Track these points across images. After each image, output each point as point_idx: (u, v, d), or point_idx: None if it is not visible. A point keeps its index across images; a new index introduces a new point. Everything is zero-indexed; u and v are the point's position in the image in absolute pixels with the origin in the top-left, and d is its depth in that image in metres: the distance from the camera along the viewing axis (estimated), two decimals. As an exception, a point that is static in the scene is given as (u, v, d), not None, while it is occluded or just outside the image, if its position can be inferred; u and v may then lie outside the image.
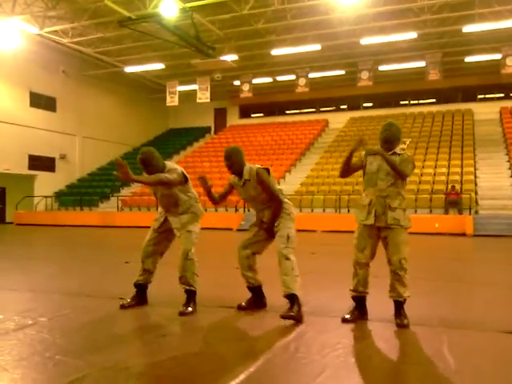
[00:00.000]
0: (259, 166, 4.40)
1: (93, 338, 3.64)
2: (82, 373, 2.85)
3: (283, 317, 3.99)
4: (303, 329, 3.89)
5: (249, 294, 4.56)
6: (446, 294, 5.51)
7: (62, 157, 24.98)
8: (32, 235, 16.28)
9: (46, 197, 22.96)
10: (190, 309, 4.40)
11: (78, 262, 8.55)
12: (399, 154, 4.09)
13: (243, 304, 4.52)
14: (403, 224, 4.04)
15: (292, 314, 4.00)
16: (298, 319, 4.01)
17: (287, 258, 4.14)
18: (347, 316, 4.07)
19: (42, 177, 23.72)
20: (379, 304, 4.42)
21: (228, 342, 3.67)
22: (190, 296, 4.47)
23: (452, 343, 3.47)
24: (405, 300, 4.02)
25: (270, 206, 4.37)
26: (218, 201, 4.56)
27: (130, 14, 18.28)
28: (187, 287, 4.46)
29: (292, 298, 4.09)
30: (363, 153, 4.28)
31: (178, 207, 4.51)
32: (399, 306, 4.02)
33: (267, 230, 4.36)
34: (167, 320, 4.28)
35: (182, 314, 4.34)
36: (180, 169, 4.54)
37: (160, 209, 4.72)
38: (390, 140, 4.08)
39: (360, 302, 4.14)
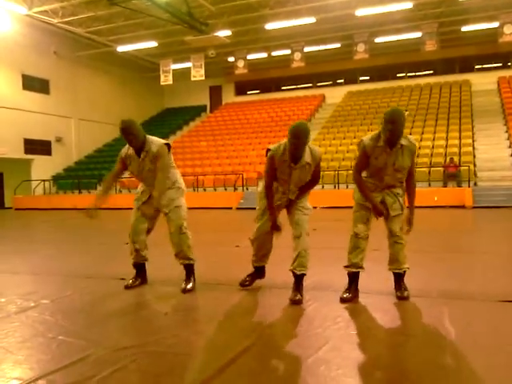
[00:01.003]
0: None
1: (95, 319, 3.65)
2: (85, 353, 2.86)
3: (295, 302, 3.89)
4: (305, 303, 3.91)
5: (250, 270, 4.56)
6: (445, 265, 5.55)
7: (58, 140, 24.81)
8: (31, 219, 16.29)
9: (43, 181, 22.90)
10: (190, 284, 4.43)
11: (78, 244, 8.56)
12: (406, 145, 3.81)
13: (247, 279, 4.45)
14: (403, 205, 4.08)
15: (301, 298, 3.94)
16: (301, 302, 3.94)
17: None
18: (345, 295, 3.96)
19: (38, 161, 23.61)
20: (377, 277, 4.45)
21: (229, 318, 3.69)
22: (190, 270, 4.49)
23: (452, 314, 3.49)
24: (404, 272, 4.03)
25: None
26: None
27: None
28: (186, 261, 4.48)
29: (301, 280, 4.04)
30: (365, 143, 3.90)
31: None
32: (399, 278, 4.03)
33: None
34: (169, 298, 4.30)
35: (184, 290, 4.36)
36: (162, 141, 4.49)
37: (142, 186, 4.61)
38: (394, 139, 3.75)
39: (356, 277, 4.07)
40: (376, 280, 4.42)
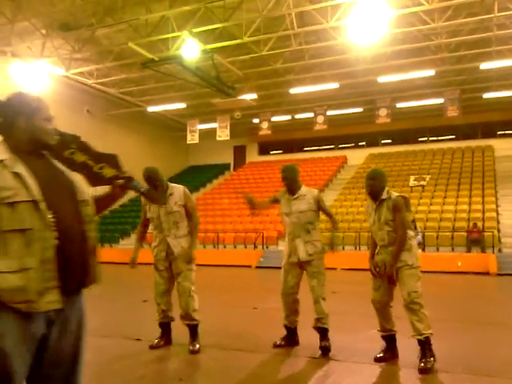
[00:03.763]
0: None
1: (109, 382, 3.63)
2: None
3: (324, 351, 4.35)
4: (324, 374, 3.82)
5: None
6: (470, 337, 5.36)
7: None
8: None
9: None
10: (197, 346, 4.45)
11: (95, 300, 8.53)
12: (387, 199, 4.13)
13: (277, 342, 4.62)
14: (411, 264, 4.05)
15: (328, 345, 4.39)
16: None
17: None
18: (379, 355, 4.10)
19: None
20: (410, 347, 4.33)
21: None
22: (194, 331, 4.53)
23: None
24: (427, 338, 3.93)
25: None
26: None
27: (153, 55, 18.92)
28: (191, 322, 4.53)
29: (326, 332, 4.43)
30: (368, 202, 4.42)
31: (179, 229, 4.61)
32: (422, 345, 3.94)
33: None
34: (184, 361, 4.26)
35: (192, 352, 4.38)
36: (182, 187, 4.77)
37: (156, 238, 4.72)
38: (374, 193, 4.20)
39: (389, 340, 4.16)
40: (408, 350, 4.29)
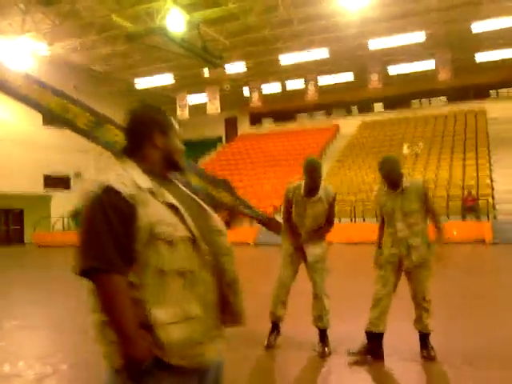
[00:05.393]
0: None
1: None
2: None
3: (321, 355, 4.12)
4: (326, 370, 3.81)
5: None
6: (469, 320, 5.32)
7: (77, 175, 25.09)
8: (51, 258, 16.26)
9: (62, 217, 23.01)
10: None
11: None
12: (410, 186, 3.92)
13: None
14: (430, 259, 3.91)
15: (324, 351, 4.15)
16: None
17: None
18: (356, 358, 3.97)
19: (57, 196, 23.82)
20: (401, 339, 4.31)
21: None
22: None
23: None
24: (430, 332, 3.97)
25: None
26: None
27: (137, 27, 18.37)
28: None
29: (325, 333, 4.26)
30: (377, 188, 4.18)
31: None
32: (425, 337, 3.95)
33: None
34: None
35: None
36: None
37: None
38: (394, 181, 3.94)
39: (374, 337, 3.95)
40: (399, 342, 4.28)
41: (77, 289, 7.23)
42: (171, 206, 1.59)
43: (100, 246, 1.49)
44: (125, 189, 1.53)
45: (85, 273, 1.51)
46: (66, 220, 23.14)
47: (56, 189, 23.82)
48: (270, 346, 4.33)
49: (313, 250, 4.25)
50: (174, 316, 1.54)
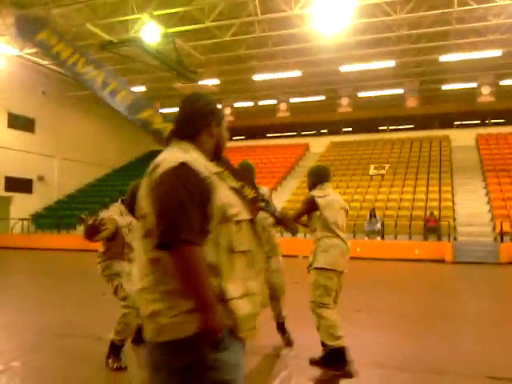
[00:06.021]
0: None
1: (67, 387, 3.50)
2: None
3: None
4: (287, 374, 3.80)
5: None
6: (430, 333, 5.43)
7: (40, 178, 24.54)
8: (7, 260, 15.83)
9: (22, 219, 22.46)
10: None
11: (54, 294, 8.30)
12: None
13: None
14: (315, 265, 3.93)
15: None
16: None
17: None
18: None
19: (18, 198, 23.21)
20: (369, 347, 4.37)
21: None
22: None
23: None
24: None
25: None
26: None
27: (112, 37, 18.30)
28: None
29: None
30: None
31: None
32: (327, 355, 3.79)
33: None
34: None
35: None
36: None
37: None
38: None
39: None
40: (368, 350, 4.32)
41: (30, 290, 7.11)
42: (235, 190, 1.73)
43: (187, 218, 1.55)
44: (202, 170, 1.63)
45: (167, 244, 1.54)
46: (25, 223, 22.51)
47: (17, 191, 23.18)
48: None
49: None
50: (241, 292, 1.63)
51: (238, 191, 1.75)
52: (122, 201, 4.26)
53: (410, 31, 18.50)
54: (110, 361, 3.91)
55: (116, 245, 4.10)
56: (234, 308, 1.60)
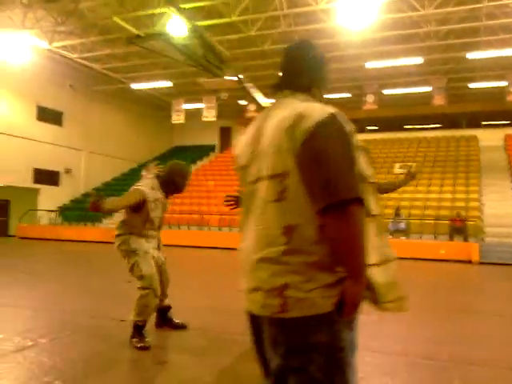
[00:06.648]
0: None
1: (93, 363, 3.55)
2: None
3: None
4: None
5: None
6: (454, 326, 5.39)
7: (67, 171, 25.00)
8: (35, 249, 16.18)
9: (49, 211, 22.91)
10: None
11: (80, 279, 8.46)
12: None
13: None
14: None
15: None
16: None
17: None
18: None
19: (46, 190, 23.70)
20: (392, 337, 4.32)
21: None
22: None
23: (463, 380, 3.37)
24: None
25: None
26: None
27: (139, 31, 18.48)
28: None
29: None
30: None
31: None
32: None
33: None
34: (168, 346, 4.19)
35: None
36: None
37: (149, 235, 4.29)
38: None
39: None
40: (381, 336, 4.30)
41: (57, 277, 7.25)
42: (363, 149, 1.55)
43: (354, 176, 1.39)
44: (348, 124, 1.49)
45: (338, 204, 1.35)
46: (52, 215, 22.97)
47: (45, 183, 23.68)
48: None
49: None
50: (377, 258, 1.47)
51: (365, 150, 1.56)
52: (158, 176, 4.27)
53: (437, 27, 18.18)
54: (135, 340, 3.96)
55: (138, 218, 4.11)
56: (372, 276, 1.43)
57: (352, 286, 1.39)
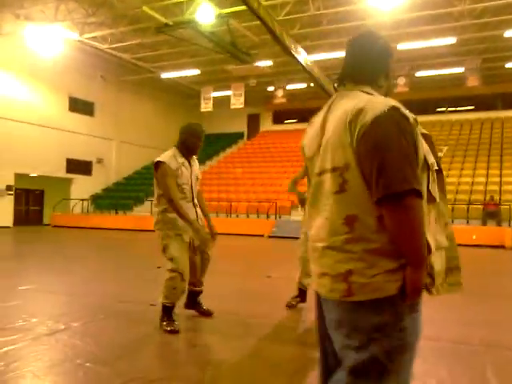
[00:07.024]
0: None
1: (124, 346, 3.64)
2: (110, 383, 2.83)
3: None
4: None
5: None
6: (486, 311, 5.29)
7: (99, 161, 25.53)
8: (68, 237, 16.65)
9: (82, 200, 23.49)
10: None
11: (112, 266, 8.66)
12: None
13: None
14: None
15: None
16: None
17: None
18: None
19: (78, 180, 24.29)
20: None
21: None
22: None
23: (494, 364, 3.30)
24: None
25: None
26: None
27: (167, 20, 18.55)
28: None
29: None
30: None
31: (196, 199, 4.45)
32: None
33: None
34: (196, 329, 4.25)
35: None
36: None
37: (182, 206, 4.07)
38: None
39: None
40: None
41: (90, 264, 7.43)
42: (426, 137, 1.57)
43: (414, 168, 1.43)
44: (408, 114, 1.50)
45: (396, 195, 1.39)
46: (85, 203, 23.54)
47: (77, 173, 24.28)
48: (289, 306, 4.93)
49: None
50: (435, 245, 1.51)
51: (428, 138, 1.57)
52: (177, 146, 4.27)
53: (472, 5, 17.55)
54: (164, 323, 4.03)
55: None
56: (433, 263, 1.49)
57: (413, 273, 1.44)
